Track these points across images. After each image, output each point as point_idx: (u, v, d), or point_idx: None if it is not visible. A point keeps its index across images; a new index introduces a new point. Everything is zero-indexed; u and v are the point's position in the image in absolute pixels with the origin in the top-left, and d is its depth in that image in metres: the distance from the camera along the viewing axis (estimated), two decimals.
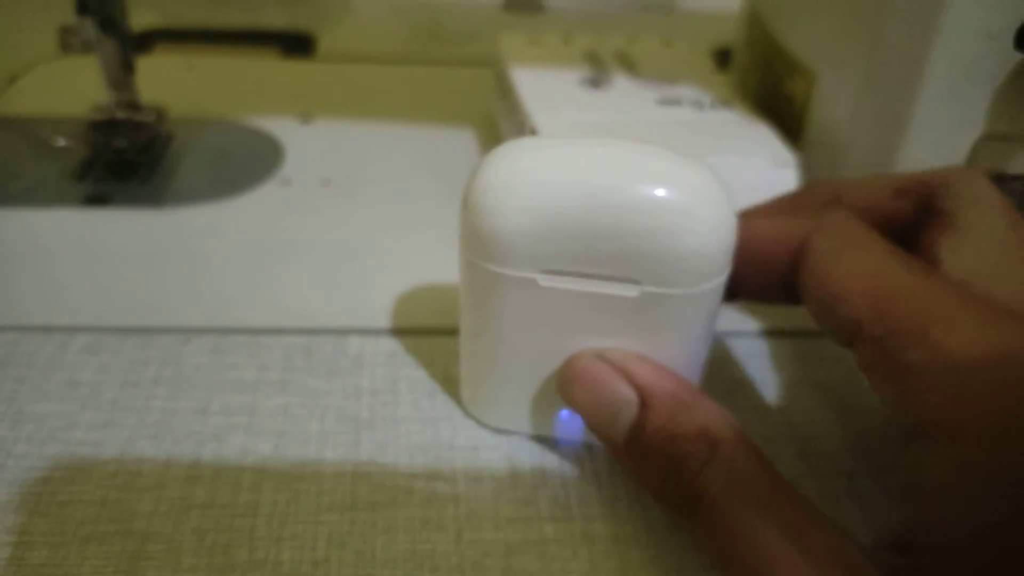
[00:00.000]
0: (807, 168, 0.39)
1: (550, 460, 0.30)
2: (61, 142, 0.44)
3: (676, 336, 0.27)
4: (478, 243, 0.25)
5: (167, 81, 0.53)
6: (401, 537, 0.27)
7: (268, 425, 0.30)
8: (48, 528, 0.26)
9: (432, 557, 0.26)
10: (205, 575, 0.25)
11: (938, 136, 0.36)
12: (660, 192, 0.24)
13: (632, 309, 0.26)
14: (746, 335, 0.36)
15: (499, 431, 0.30)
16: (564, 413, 0.29)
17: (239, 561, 0.26)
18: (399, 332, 0.35)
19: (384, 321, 0.35)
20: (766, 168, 0.37)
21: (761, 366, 0.34)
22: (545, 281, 0.26)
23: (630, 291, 0.25)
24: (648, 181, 0.24)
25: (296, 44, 0.60)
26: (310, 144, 0.47)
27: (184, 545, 0.26)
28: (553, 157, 0.25)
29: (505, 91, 0.45)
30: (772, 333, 0.36)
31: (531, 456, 0.30)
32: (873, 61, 0.36)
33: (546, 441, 0.30)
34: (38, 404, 0.31)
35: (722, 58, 0.54)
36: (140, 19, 0.62)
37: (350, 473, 0.29)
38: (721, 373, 0.34)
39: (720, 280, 0.26)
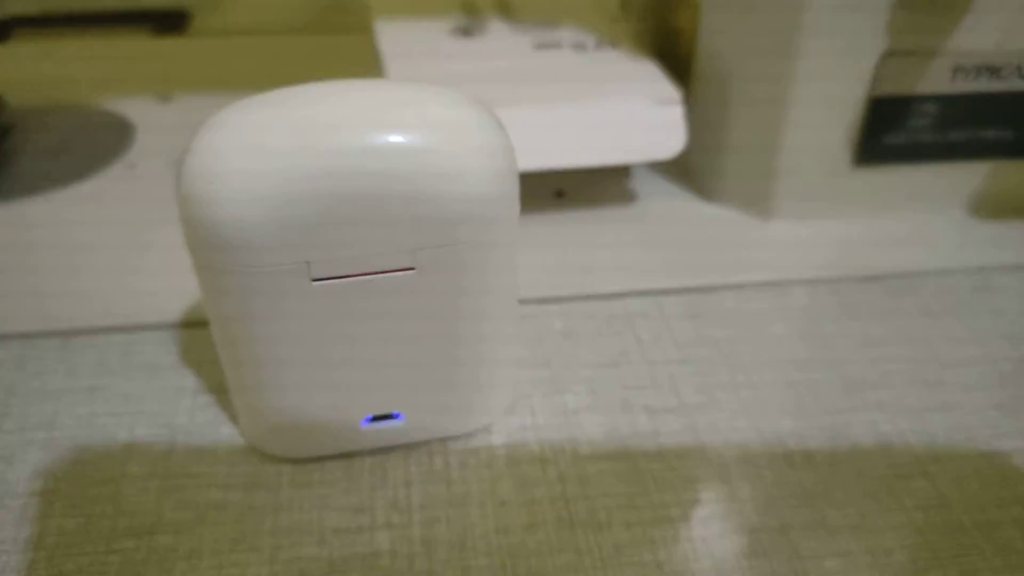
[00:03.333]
0: (698, 106, 0.35)
1: (395, 456, 0.25)
2: None
3: (473, 302, 0.23)
4: (203, 237, 0.20)
5: (20, 71, 0.48)
6: (207, 562, 0.23)
7: (68, 440, 0.26)
8: None
9: None
10: None
11: (833, 58, 0.32)
12: (411, 136, 0.20)
13: (415, 282, 0.22)
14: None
15: (300, 460, 0.25)
16: (366, 421, 0.25)
17: None
18: None
19: None
20: (652, 107, 0.33)
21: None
22: (300, 274, 0.21)
23: (405, 262, 0.21)
24: (391, 125, 0.20)
25: (168, 22, 0.55)
26: (165, 124, 0.42)
27: None
28: (281, 112, 0.20)
29: (375, 50, 0.40)
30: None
31: (373, 456, 0.25)
32: None
33: (389, 434, 0.26)
34: None
35: (625, 2, 0.50)
36: (11, 6, 0.57)
37: (155, 489, 0.24)
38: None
39: (507, 227, 0.22)
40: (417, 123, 0.20)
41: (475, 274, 0.22)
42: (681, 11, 0.37)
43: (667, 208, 0.36)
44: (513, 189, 0.22)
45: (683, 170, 0.38)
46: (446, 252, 0.21)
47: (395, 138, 0.20)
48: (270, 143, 0.20)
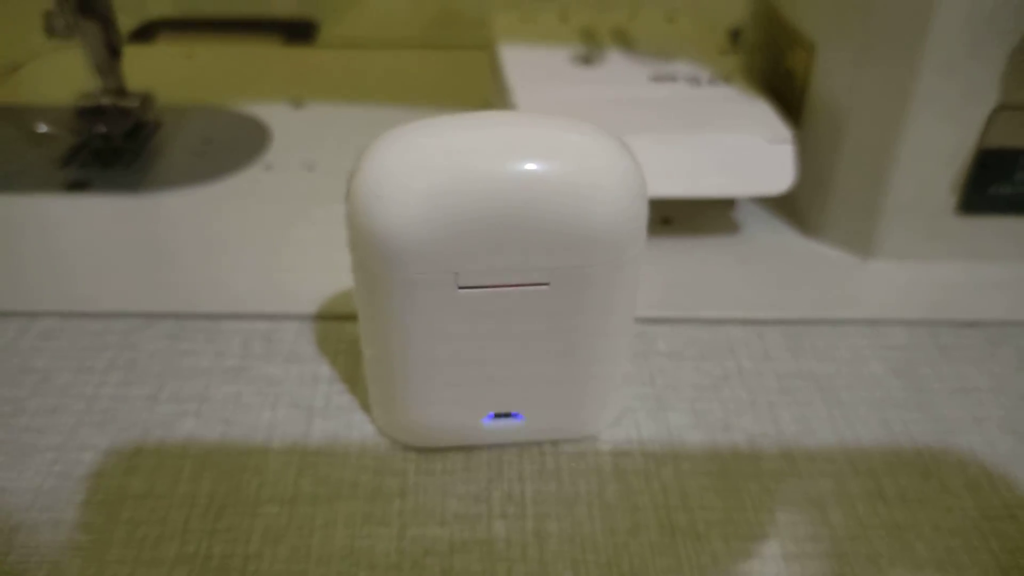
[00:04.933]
0: (807, 144, 0.37)
1: (510, 453, 0.28)
2: (43, 128, 0.44)
3: (598, 319, 0.25)
4: (368, 246, 0.23)
5: (165, 70, 0.52)
6: (341, 532, 0.25)
7: (218, 414, 0.29)
8: None
9: (371, 554, 0.25)
10: (131, 568, 0.24)
11: (946, 107, 0.33)
12: (562, 167, 0.22)
13: (548, 296, 0.24)
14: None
15: (423, 449, 0.28)
16: (487, 418, 0.27)
17: (168, 555, 0.24)
18: None
19: (351, 307, 0.33)
20: (764, 145, 0.35)
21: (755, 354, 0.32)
22: (448, 283, 0.23)
23: (542, 277, 0.24)
24: (548, 156, 0.22)
25: (298, 31, 0.59)
26: (299, 129, 0.46)
27: (114, 537, 0.25)
28: (442, 140, 0.23)
29: (495, 71, 0.43)
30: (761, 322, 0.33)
31: (490, 450, 0.28)
32: (871, 25, 0.33)
33: (507, 432, 0.28)
34: None
35: (735, 38, 0.52)
36: (153, 9, 0.61)
37: (295, 464, 0.27)
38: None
39: (636, 252, 0.24)
40: (560, 154, 0.23)
41: (602, 293, 0.24)
42: (795, 52, 0.38)
43: (769, 240, 0.38)
44: (643, 218, 0.24)
45: (786, 204, 0.40)
46: (579, 271, 0.24)
47: (539, 167, 0.22)
48: (430, 167, 0.22)
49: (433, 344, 0.25)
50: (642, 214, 0.24)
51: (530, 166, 0.22)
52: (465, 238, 0.22)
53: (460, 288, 0.23)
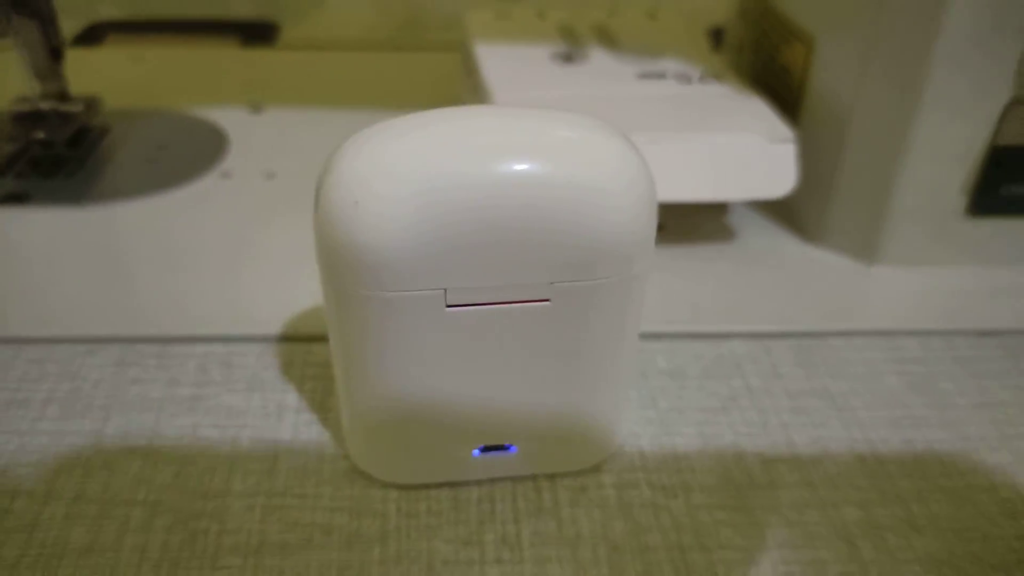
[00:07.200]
0: (806, 145, 0.34)
1: (502, 489, 0.25)
2: None
3: (603, 338, 0.22)
4: (342, 261, 0.20)
5: (113, 74, 0.49)
6: None
7: (170, 451, 0.26)
8: None
9: None
10: None
11: (956, 103, 0.31)
12: (567, 167, 0.20)
13: (549, 315, 0.21)
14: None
15: (406, 487, 0.25)
16: (477, 451, 0.24)
17: None
18: None
19: (319, 328, 0.30)
20: (764, 145, 0.33)
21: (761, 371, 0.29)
22: (436, 301, 0.20)
23: (542, 293, 0.21)
24: (550, 156, 0.20)
25: (257, 33, 0.56)
26: (258, 135, 0.42)
27: None
28: (428, 138, 0.20)
29: (470, 71, 0.40)
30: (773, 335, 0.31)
31: (480, 486, 0.25)
32: (879, 18, 0.31)
33: (499, 466, 0.25)
34: None
35: (716, 38, 0.49)
36: (101, 10, 0.58)
37: (260, 507, 0.24)
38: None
39: (646, 263, 0.21)
40: (564, 153, 0.20)
41: (608, 309, 0.22)
42: (792, 47, 0.36)
43: (767, 247, 0.36)
44: (654, 225, 0.21)
45: (782, 208, 0.37)
46: (584, 286, 0.21)
47: (541, 168, 0.20)
48: (413, 169, 0.19)
49: (417, 369, 0.22)
50: (653, 221, 0.21)
51: (530, 167, 0.19)
52: (456, 250, 0.20)
53: (449, 307, 0.20)
